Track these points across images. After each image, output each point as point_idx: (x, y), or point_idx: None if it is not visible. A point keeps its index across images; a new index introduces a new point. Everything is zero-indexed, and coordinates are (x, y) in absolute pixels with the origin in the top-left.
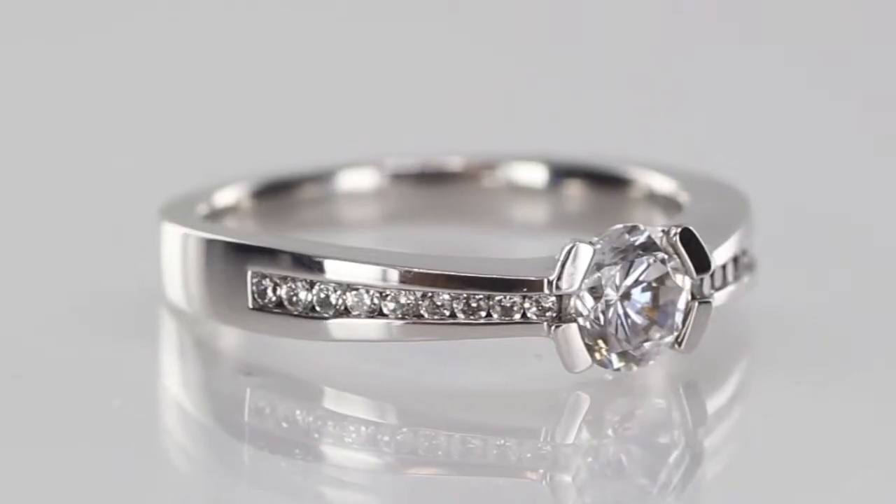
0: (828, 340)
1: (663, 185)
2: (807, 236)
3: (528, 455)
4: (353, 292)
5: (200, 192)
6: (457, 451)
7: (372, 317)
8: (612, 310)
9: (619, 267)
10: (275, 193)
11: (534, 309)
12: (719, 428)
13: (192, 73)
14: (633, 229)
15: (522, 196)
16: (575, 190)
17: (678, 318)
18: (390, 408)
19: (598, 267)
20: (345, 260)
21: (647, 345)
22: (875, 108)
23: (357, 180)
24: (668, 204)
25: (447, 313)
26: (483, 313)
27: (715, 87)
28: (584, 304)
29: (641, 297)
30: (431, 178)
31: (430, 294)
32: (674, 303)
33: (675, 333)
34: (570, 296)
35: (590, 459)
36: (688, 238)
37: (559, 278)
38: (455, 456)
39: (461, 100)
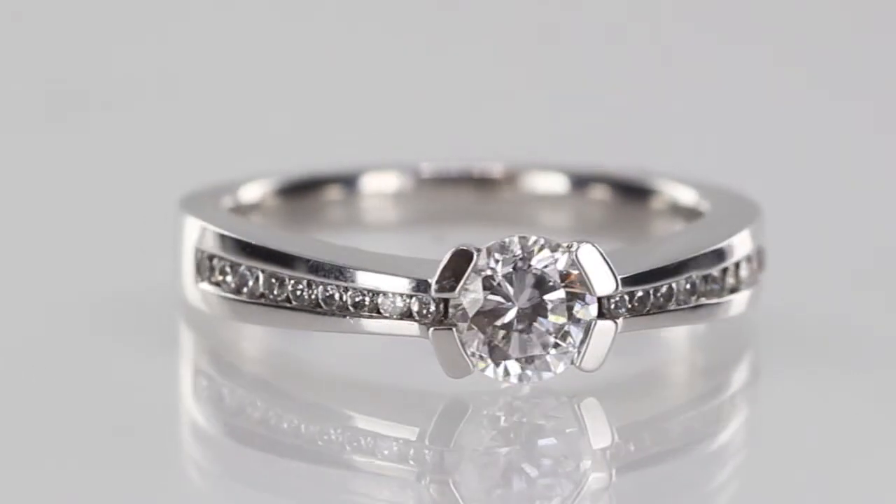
0: (828, 342)
1: (686, 196)
2: (809, 242)
3: (412, 454)
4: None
5: (225, 187)
6: (347, 447)
7: (280, 306)
8: (497, 319)
9: (510, 277)
10: (299, 192)
11: (418, 309)
12: (725, 431)
13: (231, 74)
14: (529, 240)
15: (546, 203)
16: (600, 198)
17: (576, 335)
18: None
19: (488, 275)
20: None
21: (545, 358)
22: (878, 111)
23: (383, 183)
24: (691, 215)
25: (342, 306)
26: (373, 308)
27: (728, 98)
28: (468, 309)
29: (530, 310)
30: (461, 183)
31: (324, 285)
32: (567, 319)
33: (574, 351)
34: (453, 300)
35: (470, 465)
36: (589, 255)
37: (438, 281)
38: (342, 452)
39: (496, 107)
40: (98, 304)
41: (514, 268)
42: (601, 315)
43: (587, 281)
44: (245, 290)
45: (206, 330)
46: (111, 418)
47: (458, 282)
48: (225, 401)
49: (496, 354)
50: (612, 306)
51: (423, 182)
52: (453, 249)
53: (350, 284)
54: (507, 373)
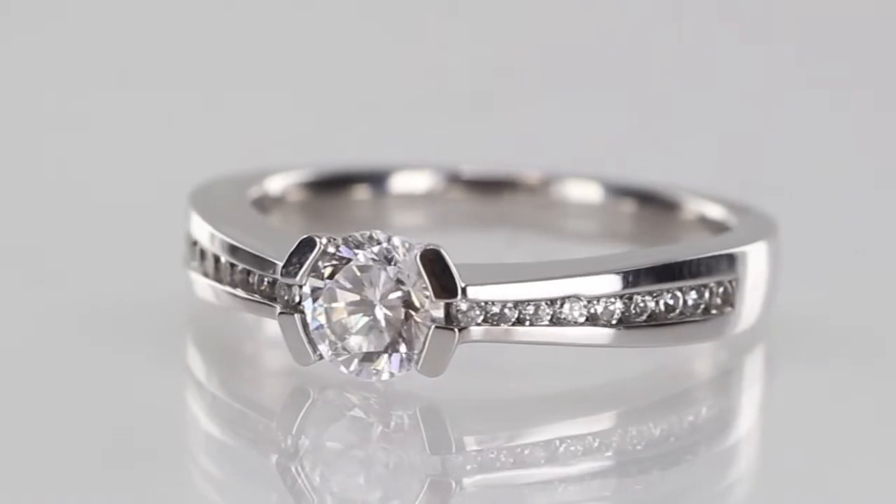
0: (841, 346)
1: (713, 212)
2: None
3: (270, 437)
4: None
5: (251, 177)
6: (218, 419)
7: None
8: (342, 312)
9: (359, 270)
10: (327, 188)
11: (279, 293)
12: (735, 426)
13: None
14: (382, 236)
15: (576, 212)
16: (629, 210)
17: (417, 339)
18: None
19: (336, 266)
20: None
21: (387, 357)
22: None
23: (413, 183)
24: (718, 231)
25: (237, 284)
26: (252, 290)
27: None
28: (312, 297)
29: (374, 306)
30: (491, 187)
31: (231, 263)
32: (396, 322)
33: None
34: (300, 287)
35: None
36: (432, 259)
37: (284, 266)
38: (213, 427)
39: (541, 118)
40: (102, 302)
41: (363, 262)
42: (448, 322)
43: (427, 285)
44: (194, 263)
45: (209, 323)
46: (113, 425)
47: (301, 268)
48: (231, 406)
49: (337, 346)
50: (460, 315)
51: (454, 184)
52: (302, 237)
53: (238, 262)
54: (348, 366)
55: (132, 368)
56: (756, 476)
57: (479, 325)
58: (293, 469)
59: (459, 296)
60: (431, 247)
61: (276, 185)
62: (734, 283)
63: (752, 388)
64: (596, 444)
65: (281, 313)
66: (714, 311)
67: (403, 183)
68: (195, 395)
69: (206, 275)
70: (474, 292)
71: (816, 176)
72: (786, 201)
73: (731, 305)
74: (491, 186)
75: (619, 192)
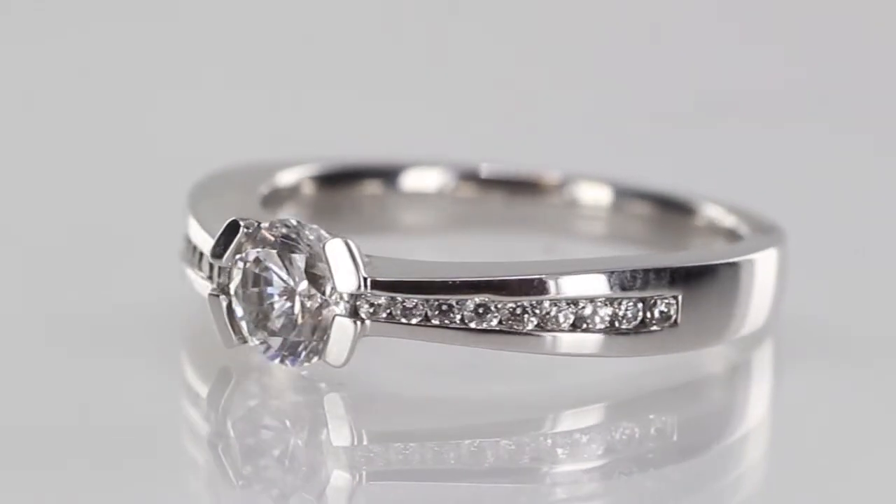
0: (828, 341)
1: (725, 219)
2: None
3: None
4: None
5: (258, 170)
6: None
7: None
8: (261, 297)
9: (272, 260)
10: (337, 182)
11: (213, 274)
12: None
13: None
14: (302, 225)
15: (585, 212)
16: (640, 212)
17: (323, 329)
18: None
19: (258, 251)
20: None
21: (303, 344)
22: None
23: (424, 180)
24: (728, 238)
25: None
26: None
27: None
28: (235, 280)
29: (288, 294)
30: (500, 186)
31: (193, 245)
32: (309, 311)
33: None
34: (227, 269)
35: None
36: (336, 249)
37: (212, 248)
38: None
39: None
40: (102, 300)
41: (280, 249)
42: (352, 313)
43: (332, 275)
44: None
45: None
46: (110, 426)
47: (226, 251)
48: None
49: (256, 331)
50: (362, 306)
51: (466, 183)
52: (230, 219)
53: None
54: (266, 351)
55: (129, 369)
56: (761, 472)
57: (383, 319)
58: (219, 449)
59: (361, 288)
60: (338, 237)
61: (287, 178)
62: (678, 300)
63: (759, 386)
64: (585, 440)
65: (209, 294)
66: (655, 327)
67: (415, 180)
68: (193, 395)
69: (183, 260)
70: (379, 286)
71: (817, 176)
72: (786, 201)
73: (675, 323)
74: (506, 186)
75: (634, 195)
